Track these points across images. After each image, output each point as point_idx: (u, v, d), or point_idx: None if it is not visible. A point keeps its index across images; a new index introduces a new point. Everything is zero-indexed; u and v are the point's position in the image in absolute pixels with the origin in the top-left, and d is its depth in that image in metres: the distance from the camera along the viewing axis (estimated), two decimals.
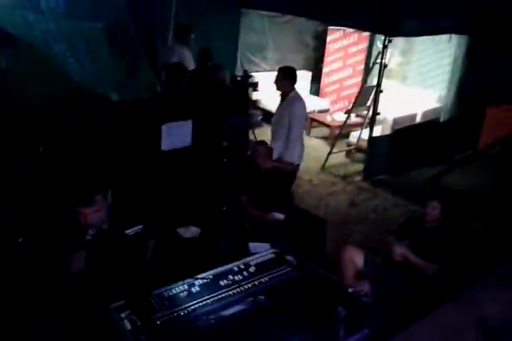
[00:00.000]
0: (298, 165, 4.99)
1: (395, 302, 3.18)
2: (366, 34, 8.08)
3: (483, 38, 6.58)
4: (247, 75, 5.94)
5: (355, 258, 3.68)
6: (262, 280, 2.95)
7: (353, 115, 7.05)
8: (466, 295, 2.92)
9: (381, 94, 6.11)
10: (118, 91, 5.63)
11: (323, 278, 3.04)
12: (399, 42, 7.60)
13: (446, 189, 4.09)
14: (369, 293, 3.22)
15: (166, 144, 4.39)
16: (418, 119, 7.20)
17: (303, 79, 7.99)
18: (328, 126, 7.38)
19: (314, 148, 7.02)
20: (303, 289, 2.88)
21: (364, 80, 8.38)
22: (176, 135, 4.42)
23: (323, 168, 6.45)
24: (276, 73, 4.77)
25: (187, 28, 6.10)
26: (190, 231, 4.00)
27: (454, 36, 6.86)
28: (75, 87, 5.27)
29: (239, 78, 5.84)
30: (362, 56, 8.39)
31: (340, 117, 7.28)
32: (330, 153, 6.55)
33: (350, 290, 2.95)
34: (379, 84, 6.08)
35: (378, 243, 4.23)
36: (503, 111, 6.85)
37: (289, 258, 3.19)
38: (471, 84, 7.00)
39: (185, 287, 2.87)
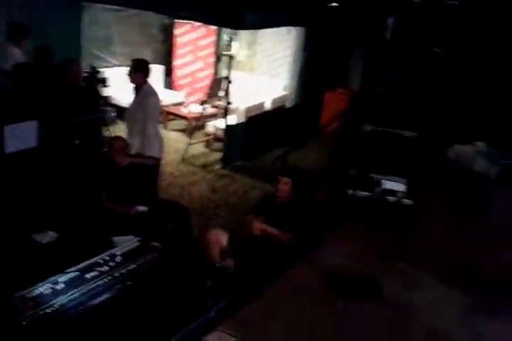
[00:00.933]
0: (159, 159, 5.04)
1: (256, 272, 3.49)
2: (214, 27, 8.34)
3: (319, 30, 7.26)
4: (94, 71, 5.80)
5: (220, 238, 3.88)
6: (130, 267, 3.03)
7: (208, 106, 7.30)
8: (313, 253, 3.39)
9: (233, 85, 6.44)
10: None
11: (189, 257, 3.21)
12: (245, 35, 8.02)
13: (293, 166, 4.54)
14: (233, 267, 3.47)
15: (9, 146, 4.15)
16: (268, 107, 7.70)
17: (156, 73, 8.00)
18: (185, 118, 7.53)
19: (173, 140, 7.13)
20: (171, 269, 3.02)
21: (215, 72, 8.75)
22: (21, 136, 4.20)
23: (183, 159, 6.60)
24: (126, 68, 4.78)
25: (23, 31, 5.67)
26: (48, 236, 3.88)
27: (292, 28, 7.47)
28: None
29: (86, 74, 5.67)
30: (212, 49, 8.65)
31: (196, 109, 7.48)
32: (189, 144, 6.72)
33: (216, 265, 3.17)
34: (228, 76, 6.40)
35: (239, 222, 4.51)
36: (338, 94, 7.72)
37: (155, 243, 3.29)
38: (310, 72, 7.69)
39: (49, 285, 2.82)
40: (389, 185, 4.75)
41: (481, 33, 7.04)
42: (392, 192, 4.69)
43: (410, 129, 5.18)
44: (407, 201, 4.63)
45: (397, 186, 4.73)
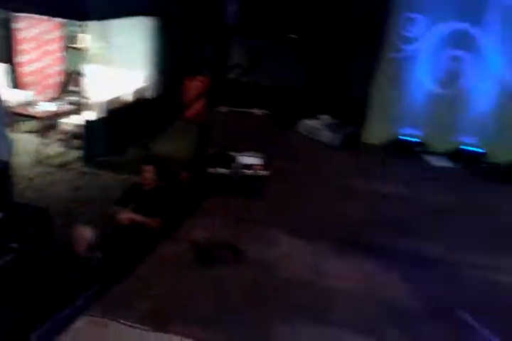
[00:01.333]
0: (7, 163, 4.66)
1: (125, 258, 3.45)
2: (61, 20, 7.83)
3: (173, 20, 7.24)
4: None
5: (85, 233, 3.75)
6: None
7: (63, 103, 6.88)
8: (180, 229, 3.54)
9: (90, 79, 6.14)
10: None
11: (50, 254, 3.06)
12: (96, 26, 7.64)
13: (155, 154, 4.63)
14: (101, 257, 3.36)
15: None
16: (129, 99, 7.48)
17: None
18: (36, 117, 6.98)
19: (25, 142, 6.59)
20: (31, 266, 2.86)
21: (67, 67, 8.25)
22: None
23: (38, 160, 6.16)
24: None
25: None
26: None
27: (146, 18, 7.31)
28: None
29: None
30: (60, 43, 8.13)
31: (48, 107, 6.98)
32: (43, 144, 6.28)
33: (82, 258, 3.07)
34: (81, 70, 6.10)
35: (106, 217, 4.37)
36: (198, 82, 7.90)
37: (12, 245, 3.08)
38: (170, 62, 7.65)
39: None
40: (245, 160, 5.15)
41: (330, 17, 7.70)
42: (249, 166, 5.09)
43: (263, 108, 5.61)
44: (263, 172, 5.08)
45: (254, 160, 5.16)
